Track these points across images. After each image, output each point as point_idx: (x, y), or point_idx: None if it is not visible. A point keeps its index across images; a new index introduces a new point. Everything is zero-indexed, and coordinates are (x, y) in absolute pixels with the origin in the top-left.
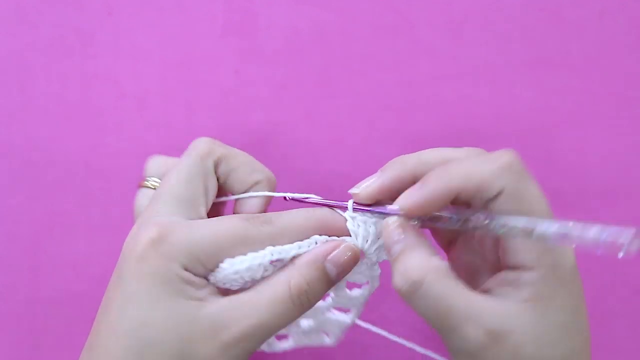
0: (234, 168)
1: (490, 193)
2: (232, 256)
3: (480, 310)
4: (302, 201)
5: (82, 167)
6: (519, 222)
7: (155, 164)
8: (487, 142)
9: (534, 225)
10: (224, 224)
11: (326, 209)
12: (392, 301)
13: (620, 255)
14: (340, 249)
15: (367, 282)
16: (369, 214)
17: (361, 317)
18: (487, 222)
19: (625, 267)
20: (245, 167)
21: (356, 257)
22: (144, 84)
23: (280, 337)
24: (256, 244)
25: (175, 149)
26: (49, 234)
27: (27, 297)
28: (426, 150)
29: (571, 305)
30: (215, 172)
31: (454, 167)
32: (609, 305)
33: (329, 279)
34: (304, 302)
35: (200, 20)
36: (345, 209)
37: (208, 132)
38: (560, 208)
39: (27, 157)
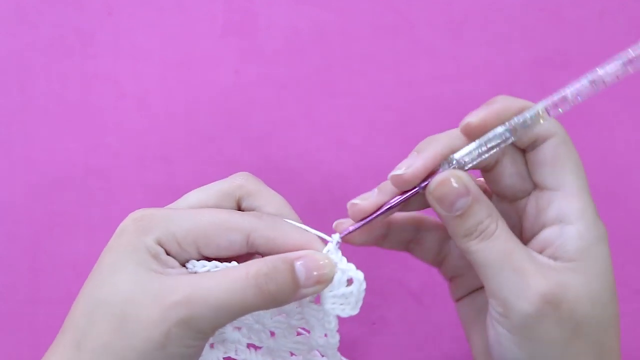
0: (258, 205)
1: (542, 134)
2: (211, 239)
3: (543, 266)
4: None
5: (82, 167)
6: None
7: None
8: None
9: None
10: (208, 209)
11: (318, 239)
12: (391, 302)
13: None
14: (317, 254)
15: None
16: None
17: (360, 318)
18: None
19: (625, 267)
20: (269, 207)
21: (330, 269)
22: (144, 84)
23: None
24: (236, 232)
25: (175, 149)
26: (49, 234)
27: (27, 297)
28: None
29: (610, 263)
30: (241, 206)
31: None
32: None
33: (296, 276)
34: (261, 284)
35: (200, 20)
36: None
37: (208, 132)
38: None
39: (28, 157)
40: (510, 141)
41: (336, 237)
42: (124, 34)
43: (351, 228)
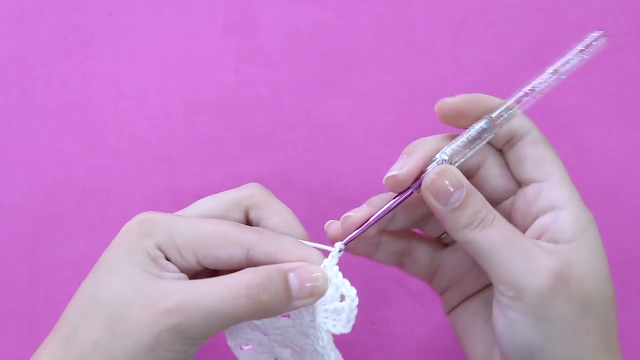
0: (265, 216)
1: (521, 128)
2: (210, 251)
3: (545, 246)
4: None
5: (82, 167)
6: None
7: None
8: None
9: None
10: (211, 220)
11: (319, 254)
12: (391, 302)
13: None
14: (311, 266)
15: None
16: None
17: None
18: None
19: (625, 267)
20: (276, 218)
21: (324, 282)
22: (144, 84)
23: None
24: (236, 246)
25: (175, 149)
26: (49, 234)
27: (27, 297)
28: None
29: (602, 245)
30: (249, 216)
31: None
32: None
33: (288, 287)
34: (253, 294)
35: (200, 20)
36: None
37: (208, 132)
38: None
39: (28, 157)
40: (491, 136)
41: (338, 245)
42: (123, 34)
43: (353, 235)
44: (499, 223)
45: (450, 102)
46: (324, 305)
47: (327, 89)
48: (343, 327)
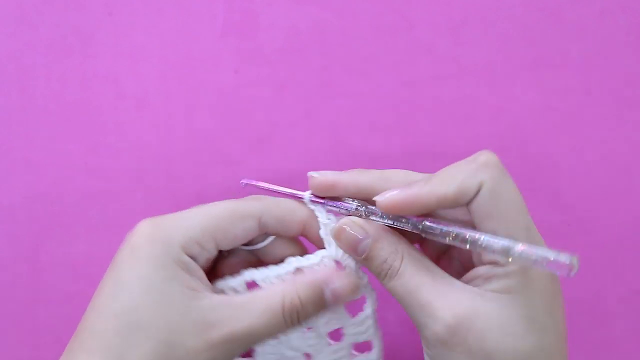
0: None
1: (471, 191)
2: (228, 231)
3: (450, 293)
4: (257, 187)
5: (82, 167)
6: (497, 243)
7: None
8: (486, 142)
9: (511, 246)
10: (215, 204)
11: (309, 211)
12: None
13: (571, 274)
14: (345, 281)
15: (364, 298)
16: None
17: None
18: (468, 236)
19: (625, 267)
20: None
21: (356, 291)
22: (144, 84)
23: None
24: (248, 219)
25: (175, 149)
26: (49, 234)
27: (27, 297)
28: (391, 170)
29: (542, 304)
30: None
31: (437, 174)
32: (609, 305)
33: (323, 304)
34: (294, 319)
35: (200, 20)
36: (301, 198)
37: (208, 132)
38: (561, 208)
39: (28, 157)
40: (406, 227)
41: (307, 194)
42: (123, 34)
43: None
44: (404, 273)
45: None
46: (347, 263)
47: (327, 89)
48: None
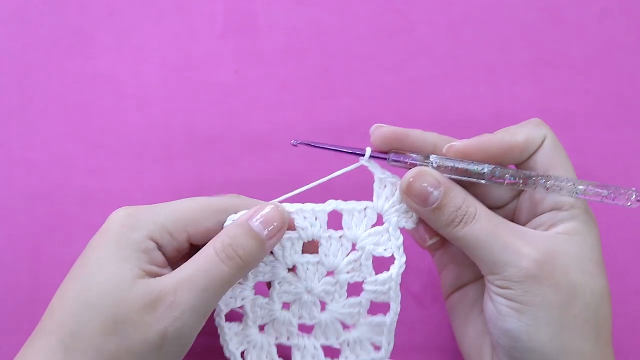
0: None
1: (537, 141)
2: (200, 223)
3: (525, 235)
4: (312, 146)
5: (82, 167)
6: (566, 182)
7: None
8: None
9: (575, 184)
10: (192, 198)
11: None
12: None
13: (633, 205)
14: (268, 210)
15: (393, 259)
16: (397, 164)
17: None
18: (539, 179)
19: (625, 267)
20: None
21: (281, 213)
22: (144, 84)
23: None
24: (222, 213)
25: (175, 149)
26: (49, 234)
27: (27, 297)
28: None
29: (599, 246)
30: None
31: (499, 131)
32: None
33: (254, 232)
34: (230, 255)
35: (200, 21)
36: (359, 155)
37: (208, 131)
38: None
39: (27, 157)
40: (481, 181)
41: (368, 149)
42: (124, 34)
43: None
44: (481, 217)
45: (457, 147)
46: (394, 207)
47: (327, 89)
48: (413, 222)
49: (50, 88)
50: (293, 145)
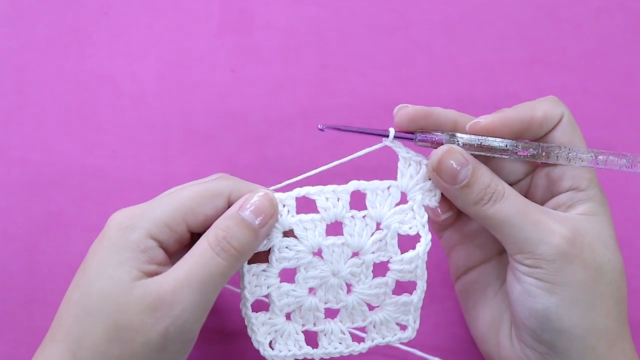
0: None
1: (556, 117)
2: (198, 211)
3: (557, 216)
4: (339, 129)
5: (79, 167)
6: (586, 153)
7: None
8: None
9: (595, 155)
10: (184, 186)
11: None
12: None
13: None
14: (255, 198)
15: (419, 237)
16: (422, 143)
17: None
18: (562, 150)
19: (624, 267)
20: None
21: (270, 200)
22: (141, 83)
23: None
24: (218, 197)
25: (172, 148)
26: (47, 234)
27: (24, 297)
28: None
29: (613, 224)
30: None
31: (517, 106)
32: None
33: (247, 222)
34: (224, 246)
35: (196, 19)
36: (383, 136)
37: (204, 130)
38: None
39: (24, 157)
40: (505, 156)
41: (391, 130)
42: (120, 34)
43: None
44: (510, 196)
45: (482, 124)
46: (418, 184)
47: (325, 88)
48: (436, 200)
49: (47, 87)
50: (320, 129)
